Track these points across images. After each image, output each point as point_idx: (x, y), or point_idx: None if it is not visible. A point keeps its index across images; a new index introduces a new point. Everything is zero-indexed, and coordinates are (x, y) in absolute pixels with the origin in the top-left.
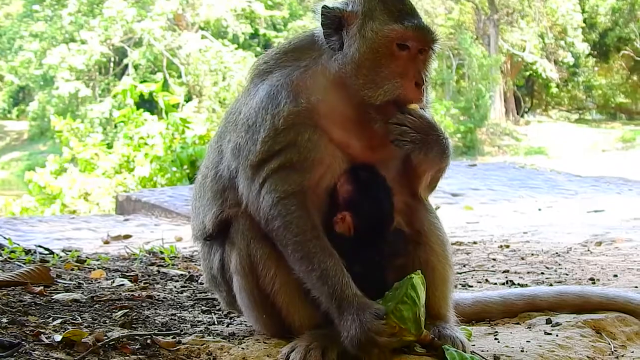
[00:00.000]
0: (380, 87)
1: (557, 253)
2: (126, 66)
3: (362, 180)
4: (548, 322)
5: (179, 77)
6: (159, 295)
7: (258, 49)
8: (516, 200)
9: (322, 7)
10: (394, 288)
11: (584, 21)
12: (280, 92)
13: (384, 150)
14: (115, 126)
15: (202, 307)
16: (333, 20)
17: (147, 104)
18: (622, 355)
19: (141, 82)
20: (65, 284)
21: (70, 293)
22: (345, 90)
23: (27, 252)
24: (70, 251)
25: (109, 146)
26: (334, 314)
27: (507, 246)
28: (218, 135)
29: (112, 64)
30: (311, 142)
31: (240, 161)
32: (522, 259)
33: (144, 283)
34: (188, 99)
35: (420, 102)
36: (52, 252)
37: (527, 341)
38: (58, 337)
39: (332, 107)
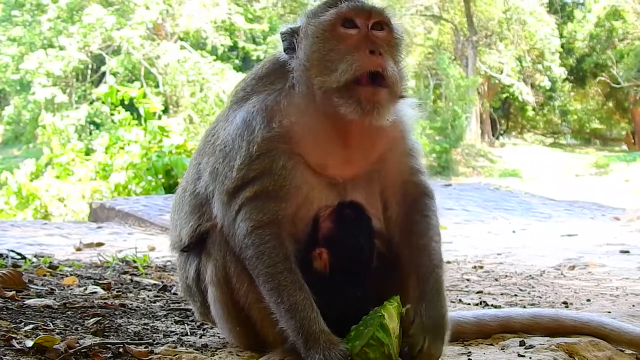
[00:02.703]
0: (334, 69)
1: (530, 275)
2: (104, 74)
3: (346, 218)
4: (522, 344)
5: (156, 86)
6: (131, 304)
7: (237, 61)
8: (490, 222)
9: (280, 34)
10: (363, 321)
11: (562, 46)
12: (255, 118)
13: (363, 163)
14: (91, 133)
15: (175, 318)
16: (290, 41)
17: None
18: None
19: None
20: (37, 289)
21: (43, 299)
22: (316, 105)
23: None
24: (42, 257)
25: (87, 153)
26: (300, 348)
27: (481, 267)
28: (197, 152)
29: (89, 71)
30: (286, 169)
31: (216, 185)
32: (496, 280)
33: (117, 291)
34: (165, 109)
35: (380, 69)
36: (24, 257)
37: None
38: (29, 343)
39: (306, 127)
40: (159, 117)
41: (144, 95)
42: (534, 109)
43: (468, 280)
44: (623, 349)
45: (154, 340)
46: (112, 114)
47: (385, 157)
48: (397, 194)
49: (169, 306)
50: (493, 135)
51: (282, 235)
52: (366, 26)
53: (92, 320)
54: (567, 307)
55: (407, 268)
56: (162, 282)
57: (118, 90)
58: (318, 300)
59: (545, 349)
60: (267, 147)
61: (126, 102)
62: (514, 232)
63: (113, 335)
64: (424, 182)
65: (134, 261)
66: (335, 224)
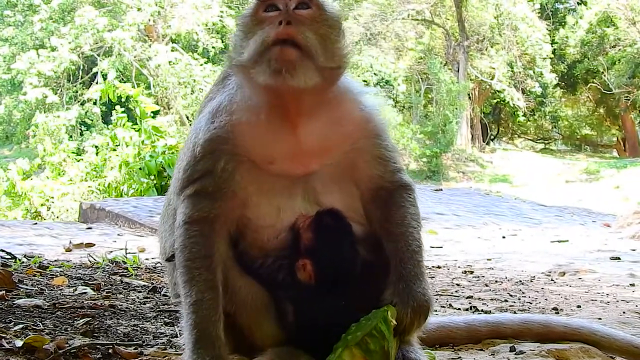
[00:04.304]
0: (250, 42)
1: (520, 281)
2: (95, 75)
3: (326, 227)
4: (512, 349)
5: (147, 88)
6: (121, 305)
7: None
8: (480, 227)
9: None
10: (367, 317)
11: (553, 52)
12: (201, 122)
13: (320, 156)
14: (82, 134)
15: (165, 319)
16: None
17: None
18: None
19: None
20: (27, 289)
21: (32, 299)
22: (255, 99)
23: None
24: (32, 257)
25: (78, 153)
26: (187, 347)
27: (471, 272)
28: None
29: (80, 72)
30: (226, 171)
31: (173, 190)
32: (486, 285)
33: (107, 292)
34: (156, 110)
35: (287, 36)
36: (14, 257)
37: None
38: (19, 343)
39: (247, 124)
40: (154, 117)
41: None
42: (524, 115)
43: (458, 285)
44: (613, 356)
45: (143, 342)
46: (104, 114)
47: (353, 154)
48: (373, 192)
49: (159, 307)
50: (484, 141)
51: (211, 234)
52: (285, 5)
53: (81, 320)
54: (557, 313)
55: (390, 257)
56: (152, 284)
57: (115, 88)
58: (303, 311)
59: (536, 354)
60: (210, 149)
61: (122, 101)
62: (504, 237)
63: (102, 336)
64: (399, 177)
65: (124, 262)
66: (316, 234)
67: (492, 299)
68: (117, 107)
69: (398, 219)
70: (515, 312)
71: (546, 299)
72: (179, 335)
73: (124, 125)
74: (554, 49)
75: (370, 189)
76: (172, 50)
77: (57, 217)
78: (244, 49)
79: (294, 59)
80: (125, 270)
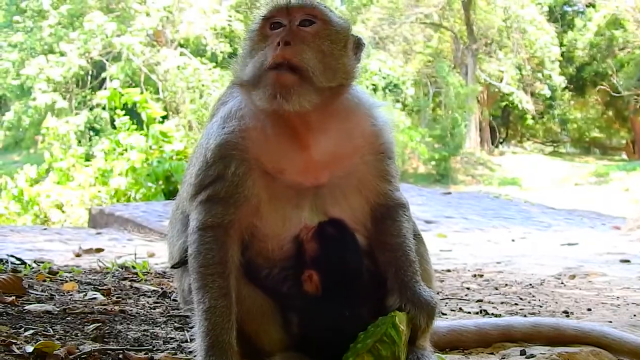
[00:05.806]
0: (251, 62)
1: (530, 284)
2: (104, 80)
3: (330, 237)
4: (522, 353)
5: (156, 92)
6: (131, 310)
7: None
8: (490, 230)
9: None
10: (375, 324)
11: (562, 54)
12: (213, 126)
13: (329, 168)
14: (90, 139)
15: (175, 324)
16: None
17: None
18: None
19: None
20: (37, 295)
21: (42, 304)
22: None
23: None
24: (42, 262)
25: (86, 158)
26: (199, 352)
27: (481, 275)
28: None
29: (89, 77)
30: (237, 176)
31: (183, 195)
32: (496, 288)
33: (117, 297)
34: (165, 115)
35: (282, 59)
36: (24, 263)
37: None
38: (29, 348)
39: (258, 131)
40: (161, 122)
41: (146, 101)
42: (533, 118)
43: (468, 288)
44: (624, 359)
45: (153, 347)
46: (112, 119)
47: (363, 167)
48: (375, 207)
49: (169, 312)
50: (492, 144)
51: (225, 240)
52: (289, 22)
53: (92, 326)
54: (567, 316)
55: (384, 267)
56: (162, 289)
57: (121, 94)
58: (308, 322)
59: (546, 358)
60: (221, 154)
61: (129, 107)
62: (513, 240)
63: (113, 342)
64: (399, 196)
65: (134, 267)
66: (320, 244)
67: (502, 303)
68: (120, 112)
69: (394, 231)
70: (525, 316)
71: (556, 302)
72: (189, 340)
73: (128, 129)
74: (563, 52)
75: (377, 203)
76: (180, 55)
77: (65, 222)
78: (246, 67)
79: (289, 84)
80: (135, 275)
